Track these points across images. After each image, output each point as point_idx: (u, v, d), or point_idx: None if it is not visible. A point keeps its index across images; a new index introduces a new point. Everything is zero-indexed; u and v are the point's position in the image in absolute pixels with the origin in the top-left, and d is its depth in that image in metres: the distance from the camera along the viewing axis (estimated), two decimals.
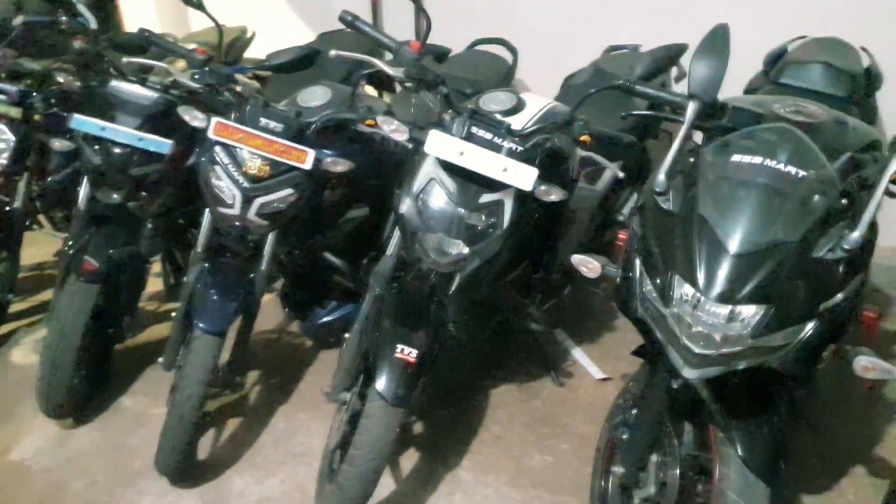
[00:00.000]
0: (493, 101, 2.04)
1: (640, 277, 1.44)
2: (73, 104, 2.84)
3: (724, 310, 1.23)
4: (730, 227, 1.25)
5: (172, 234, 2.77)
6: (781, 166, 1.27)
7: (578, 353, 2.76)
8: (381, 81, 3.57)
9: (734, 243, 1.23)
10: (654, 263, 1.38)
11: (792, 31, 2.78)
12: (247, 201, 2.01)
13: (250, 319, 2.22)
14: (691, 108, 1.39)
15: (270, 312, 3.00)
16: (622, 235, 2.16)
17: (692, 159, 1.47)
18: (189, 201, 2.64)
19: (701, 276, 1.24)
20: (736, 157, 1.33)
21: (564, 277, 2.61)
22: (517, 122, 1.95)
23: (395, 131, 1.84)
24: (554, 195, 1.78)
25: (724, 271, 1.23)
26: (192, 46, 3.63)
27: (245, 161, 1.99)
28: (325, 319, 2.67)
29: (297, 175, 2.04)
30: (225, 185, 2.01)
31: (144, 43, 2.24)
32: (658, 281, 1.36)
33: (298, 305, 2.70)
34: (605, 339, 2.87)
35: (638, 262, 1.45)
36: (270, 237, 2.16)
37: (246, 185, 2.00)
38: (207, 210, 2.16)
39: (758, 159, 1.30)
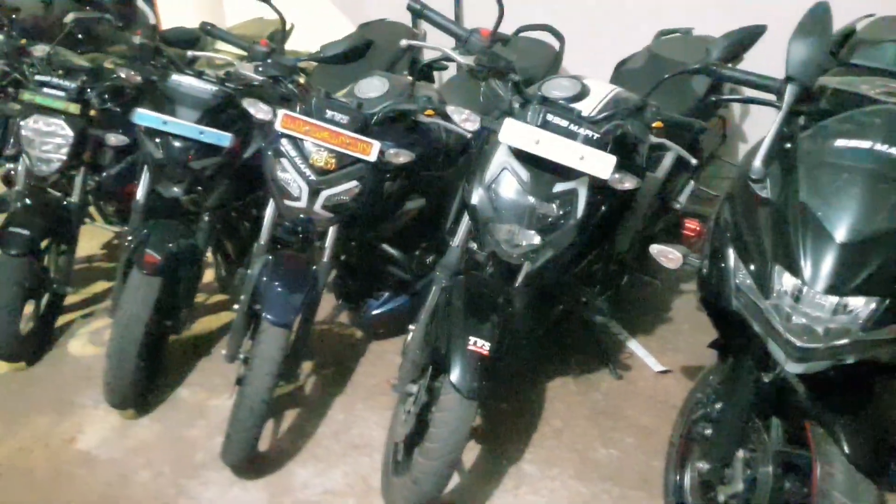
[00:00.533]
0: (557, 88, 2.01)
1: (734, 268, 1.40)
2: (127, 99, 2.88)
3: (831, 302, 1.20)
4: (835, 214, 1.21)
5: (227, 227, 2.78)
6: (890, 149, 1.23)
7: (634, 345, 2.73)
8: (422, 71, 3.55)
9: (841, 232, 1.20)
10: (750, 253, 1.35)
11: (855, 10, 2.70)
12: (314, 194, 2.01)
13: (312, 312, 2.22)
14: (790, 91, 1.35)
15: (322, 302, 2.99)
16: (690, 224, 2.14)
17: (788, 145, 1.43)
18: (242, 195, 2.65)
19: (806, 267, 1.21)
20: (839, 142, 1.29)
21: (621, 267, 2.58)
22: (585, 109, 1.92)
23: (466, 121, 1.82)
24: (628, 183, 1.75)
25: (830, 261, 1.19)
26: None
27: (311, 153, 1.99)
28: (378, 311, 2.67)
29: (362, 167, 2.03)
30: (291, 178, 2.00)
31: (202, 35, 2.23)
32: (755, 271, 1.32)
33: (352, 296, 2.70)
34: (662, 331, 2.84)
35: (731, 251, 1.42)
36: (332, 230, 2.16)
37: (313, 177, 1.99)
38: (271, 202, 2.16)
39: (865, 143, 1.26)
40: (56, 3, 8.55)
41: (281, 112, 1.95)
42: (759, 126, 3.37)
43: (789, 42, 1.37)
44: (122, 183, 2.96)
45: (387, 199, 2.24)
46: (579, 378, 2.60)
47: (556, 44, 3.12)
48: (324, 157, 1.99)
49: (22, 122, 2.61)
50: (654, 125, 1.84)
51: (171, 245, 2.37)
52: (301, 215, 2.07)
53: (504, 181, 1.78)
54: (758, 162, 1.36)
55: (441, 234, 2.58)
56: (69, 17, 2.96)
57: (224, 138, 2.29)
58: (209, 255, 3.02)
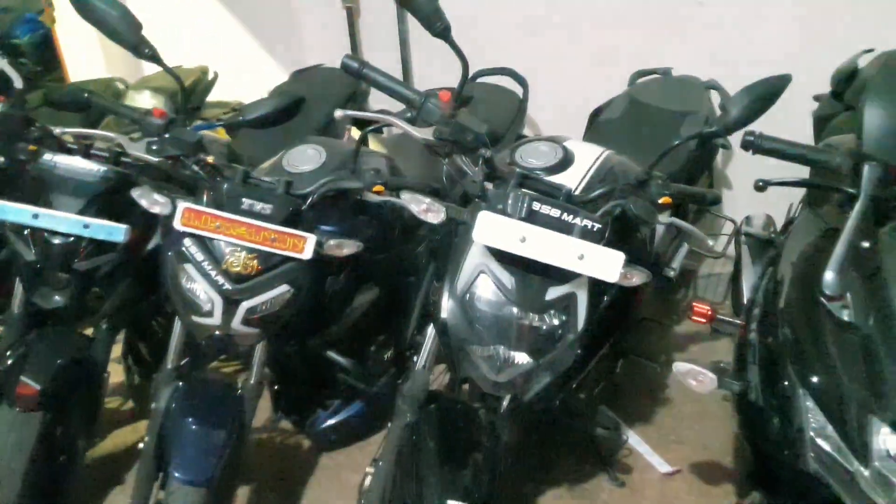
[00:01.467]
0: (534, 156, 1.62)
1: (810, 419, 1.01)
2: None
3: None
4: None
5: (135, 326, 2.28)
6: None
7: (634, 440, 2.31)
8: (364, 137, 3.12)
9: None
10: (834, 400, 0.96)
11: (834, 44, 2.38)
12: (230, 307, 1.54)
13: (237, 456, 1.73)
14: (870, 174, 0.98)
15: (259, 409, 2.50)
16: (700, 308, 1.75)
17: (866, 244, 1.05)
18: (152, 289, 2.16)
19: None
20: None
21: (615, 354, 2.18)
22: (570, 182, 1.52)
23: (426, 212, 1.39)
24: (636, 278, 1.34)
25: None
26: (145, 97, 3.23)
27: (225, 255, 1.53)
28: (329, 423, 2.20)
29: (294, 266, 1.58)
30: (200, 289, 1.53)
31: (84, 102, 1.75)
32: (844, 426, 0.93)
33: (294, 407, 2.22)
34: (660, 418, 2.43)
35: (803, 394, 1.02)
36: (260, 346, 1.70)
37: (228, 286, 1.53)
38: (177, 319, 1.69)
39: None
40: None
41: (181, 205, 1.49)
42: (740, 171, 3.04)
43: (863, 107, 1.00)
44: None
45: (331, 300, 1.80)
46: (574, 489, 2.16)
47: (518, 90, 2.73)
48: (241, 258, 1.53)
49: None
50: (661, 201, 1.45)
51: (56, 366, 1.86)
52: (216, 333, 1.60)
53: (481, 289, 1.34)
54: (831, 273, 0.99)
55: (399, 326, 2.14)
56: None
57: (117, 231, 1.80)
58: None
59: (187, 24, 3.95)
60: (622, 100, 2.42)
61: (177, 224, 1.49)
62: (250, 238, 1.52)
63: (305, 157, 1.83)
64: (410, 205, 1.39)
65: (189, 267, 1.53)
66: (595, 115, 2.48)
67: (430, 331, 1.52)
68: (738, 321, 1.84)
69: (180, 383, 1.70)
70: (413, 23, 3.50)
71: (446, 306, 1.35)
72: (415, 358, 1.58)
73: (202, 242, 1.52)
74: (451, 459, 1.43)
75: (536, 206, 1.31)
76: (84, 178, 1.80)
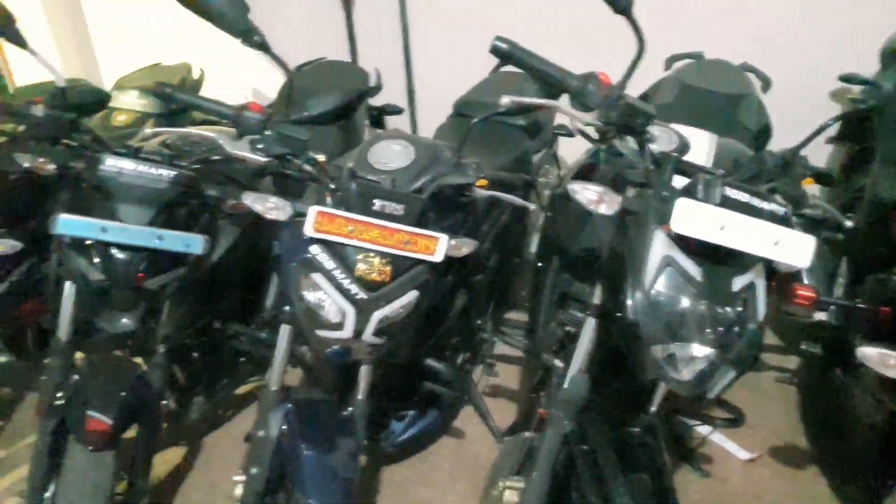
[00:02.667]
0: (657, 141, 1.55)
1: None
2: (14, 190, 2.10)
3: None
4: None
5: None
6: None
7: (705, 429, 2.30)
8: (374, 118, 2.98)
9: None
10: None
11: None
12: (362, 317, 1.39)
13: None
14: None
15: None
16: (804, 292, 1.75)
17: None
18: (208, 311, 1.97)
19: None
20: None
21: None
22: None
23: (597, 202, 1.29)
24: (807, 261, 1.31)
25: None
26: (132, 97, 2.95)
27: (357, 262, 1.38)
28: (406, 436, 2.06)
29: (423, 270, 1.45)
30: (330, 299, 1.38)
31: (164, 97, 1.54)
32: None
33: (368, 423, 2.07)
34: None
35: None
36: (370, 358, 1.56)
37: (361, 295, 1.38)
38: (284, 330, 1.52)
39: None
40: None
41: (313, 209, 1.33)
42: None
43: None
44: (14, 302, 2.15)
45: (439, 304, 1.67)
46: None
47: None
48: (375, 264, 1.38)
49: None
50: (805, 181, 1.43)
51: (120, 398, 1.65)
52: (338, 347, 1.45)
53: (669, 283, 1.26)
54: None
55: (478, 325, 2.04)
56: None
57: (195, 243, 1.61)
58: None
59: (165, 18, 3.64)
60: (672, 84, 2.39)
61: (308, 230, 1.33)
62: (384, 241, 1.38)
63: (393, 154, 1.69)
64: (580, 193, 1.29)
65: (318, 276, 1.37)
66: (643, 99, 2.44)
67: (587, 331, 1.42)
68: (845, 301, 1.85)
69: (289, 406, 1.53)
70: (414, 11, 3.42)
71: (634, 305, 1.26)
72: (556, 361, 1.49)
73: (331, 249, 1.37)
74: (626, 476, 1.35)
75: (729, 192, 1.24)
76: (153, 185, 1.59)
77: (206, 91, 3.26)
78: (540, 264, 1.86)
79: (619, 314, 1.27)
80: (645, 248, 1.27)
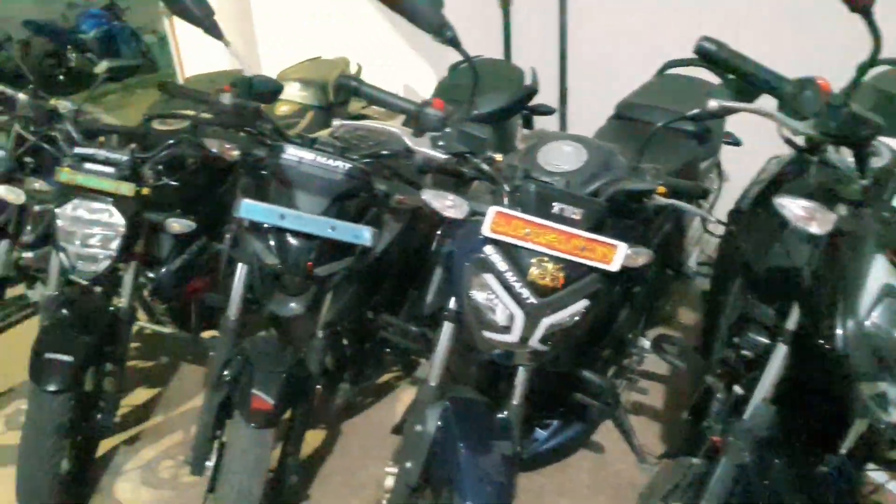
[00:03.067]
0: None
1: None
2: (189, 172, 2.23)
3: None
4: None
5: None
6: None
7: (880, 475, 2.10)
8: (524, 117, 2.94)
9: None
10: None
11: None
12: (531, 323, 1.36)
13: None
14: None
15: None
16: None
17: None
18: (367, 301, 2.01)
19: None
20: None
21: None
22: None
23: (807, 219, 1.19)
24: None
25: None
26: (294, 89, 3.06)
27: (531, 266, 1.35)
28: (548, 446, 2.01)
29: (595, 278, 1.40)
30: (499, 302, 1.35)
31: (349, 89, 1.57)
32: None
33: None
34: None
35: None
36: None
37: (532, 300, 1.34)
38: (447, 328, 1.52)
39: None
40: (33, 44, 7.83)
41: (492, 210, 1.31)
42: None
43: None
44: (185, 279, 2.29)
45: (605, 315, 1.62)
46: None
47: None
48: (549, 270, 1.35)
49: (58, 210, 1.92)
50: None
51: (282, 380, 1.71)
52: (502, 350, 1.43)
53: (888, 314, 1.14)
54: None
55: (629, 338, 1.97)
56: (102, 67, 2.30)
57: (363, 233, 1.64)
58: None
59: (325, 12, 3.79)
60: (867, 92, 2.19)
61: (485, 230, 1.32)
62: (559, 246, 1.34)
63: (564, 156, 1.63)
64: (787, 210, 1.19)
65: (489, 277, 1.35)
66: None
67: (776, 358, 1.32)
68: None
69: (447, 403, 1.53)
70: (574, 9, 3.36)
71: (845, 336, 1.15)
72: (735, 387, 1.39)
73: (506, 250, 1.35)
74: None
75: None
76: (329, 176, 1.63)
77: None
78: (717, 281, 1.76)
79: (821, 343, 1.17)
80: (861, 273, 1.15)
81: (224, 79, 3.23)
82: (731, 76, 1.48)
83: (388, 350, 2.34)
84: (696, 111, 1.41)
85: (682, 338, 1.97)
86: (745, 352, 1.56)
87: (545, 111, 2.93)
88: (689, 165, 2.12)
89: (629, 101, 2.36)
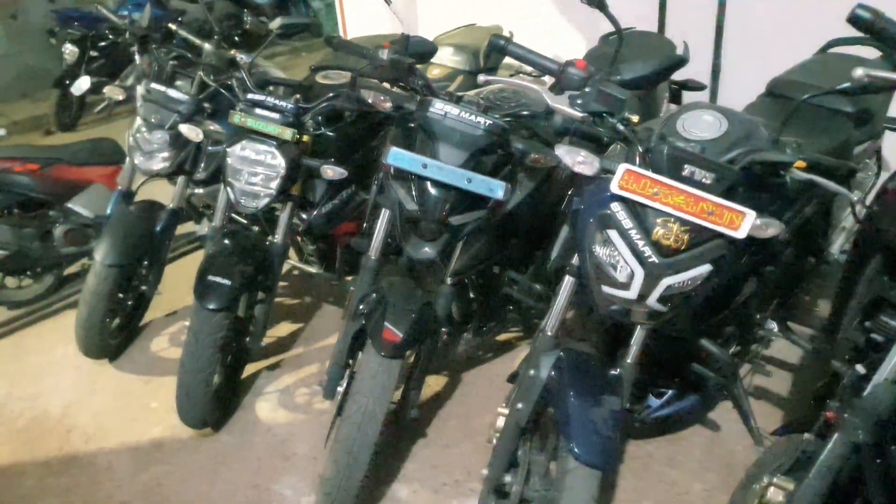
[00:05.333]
0: None
1: None
2: (348, 126, 2.41)
3: None
4: None
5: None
6: None
7: None
8: (673, 92, 2.90)
9: None
10: None
11: None
12: (650, 281, 1.40)
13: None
14: None
15: None
16: None
17: None
18: (494, 254, 2.11)
19: None
20: None
21: None
22: None
23: None
24: None
25: None
26: (447, 53, 3.20)
27: (656, 226, 1.38)
28: (662, 413, 2.04)
29: (721, 245, 1.41)
30: (621, 258, 1.40)
31: (499, 49, 1.65)
32: None
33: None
34: None
35: None
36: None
37: (654, 259, 1.38)
38: (567, 281, 1.59)
39: None
40: (215, 6, 8.49)
41: (622, 167, 1.36)
42: None
43: None
44: (333, 223, 2.49)
45: (728, 285, 1.62)
46: None
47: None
48: (674, 230, 1.38)
49: (229, 149, 2.17)
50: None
51: (412, 317, 1.85)
52: (621, 307, 1.48)
53: None
54: None
55: (757, 319, 1.93)
56: (276, 23, 2.52)
57: (496, 187, 1.73)
58: None
59: None
60: None
61: (614, 186, 1.37)
62: (687, 209, 1.36)
63: (705, 124, 1.63)
64: None
65: (613, 233, 1.40)
66: None
67: None
68: None
69: (561, 353, 1.60)
70: None
71: None
72: (857, 367, 1.36)
73: (632, 208, 1.39)
74: None
75: None
76: (469, 131, 1.73)
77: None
78: (853, 263, 1.70)
79: None
80: None
81: (384, 41, 3.46)
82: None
83: (511, 307, 2.43)
84: (844, 85, 1.38)
85: (813, 321, 1.91)
86: (875, 335, 1.52)
87: (695, 87, 2.88)
88: (840, 147, 2.03)
89: (783, 79, 2.28)
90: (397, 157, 1.71)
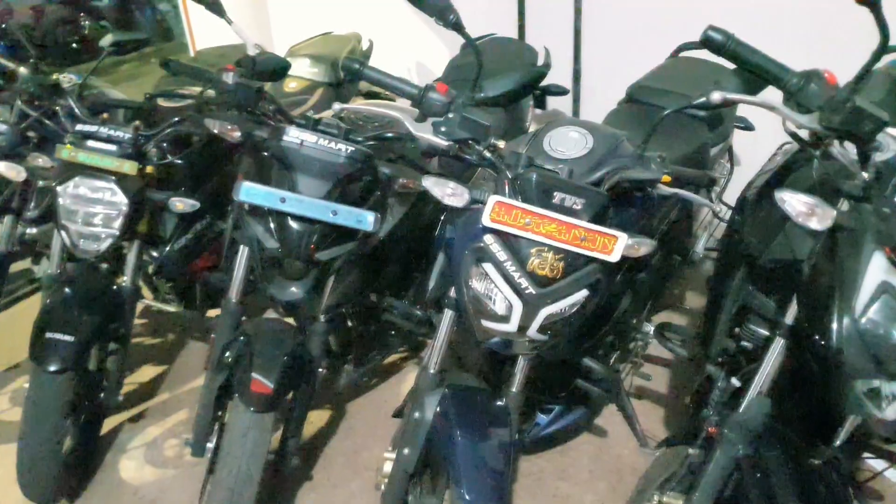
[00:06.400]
0: None
1: None
2: (198, 155, 2.21)
3: None
4: None
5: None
6: None
7: (879, 462, 2.08)
8: (536, 97, 2.90)
9: None
10: None
11: None
12: (530, 312, 1.34)
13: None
14: None
15: None
16: None
17: None
18: (369, 285, 2.01)
19: None
20: None
21: None
22: None
23: (808, 215, 1.16)
24: None
25: None
26: (304, 65, 3.04)
27: (530, 256, 1.33)
28: (550, 430, 2.01)
29: (596, 268, 1.38)
30: (499, 291, 1.34)
31: (352, 72, 1.53)
32: None
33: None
34: None
35: None
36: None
37: (531, 290, 1.33)
38: (447, 315, 1.51)
39: None
40: (46, 11, 7.73)
41: (492, 199, 1.29)
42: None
43: None
44: (189, 259, 2.29)
45: (605, 305, 1.60)
46: None
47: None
48: (548, 260, 1.33)
49: (59, 188, 1.92)
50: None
51: (282, 363, 1.71)
52: (500, 339, 1.42)
53: (884, 312, 1.12)
54: None
55: (633, 324, 1.95)
56: (107, 40, 2.26)
57: (365, 218, 1.62)
58: None
59: None
60: (881, 79, 2.12)
61: (485, 219, 1.30)
62: (560, 237, 1.31)
63: (570, 142, 1.61)
64: (788, 205, 1.16)
65: (488, 266, 1.33)
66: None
67: (774, 352, 1.31)
68: None
69: (446, 390, 1.52)
70: None
71: (840, 332, 1.13)
72: (732, 380, 1.38)
73: (505, 240, 1.33)
74: None
75: None
76: (331, 159, 1.61)
77: (372, 62, 3.30)
78: (719, 271, 1.73)
79: (817, 338, 1.15)
80: (859, 270, 1.13)
81: (235, 54, 3.24)
82: None
83: (393, 332, 2.34)
84: (700, 100, 1.38)
85: (685, 326, 1.95)
86: (744, 343, 1.55)
87: (558, 91, 2.89)
88: (699, 151, 2.08)
89: (641, 85, 2.32)
90: (250, 192, 1.57)
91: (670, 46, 2.61)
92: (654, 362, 2.57)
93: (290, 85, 2.90)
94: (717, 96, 1.23)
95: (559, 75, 3.18)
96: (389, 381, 2.63)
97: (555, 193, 1.33)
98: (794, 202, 1.16)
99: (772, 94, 1.30)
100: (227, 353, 1.75)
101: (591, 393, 1.90)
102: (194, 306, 2.50)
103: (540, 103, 2.91)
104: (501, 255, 1.33)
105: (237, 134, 1.68)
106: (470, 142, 1.40)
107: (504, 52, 2.71)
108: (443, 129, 1.39)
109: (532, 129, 2.94)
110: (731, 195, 2.31)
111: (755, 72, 1.20)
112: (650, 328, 2.04)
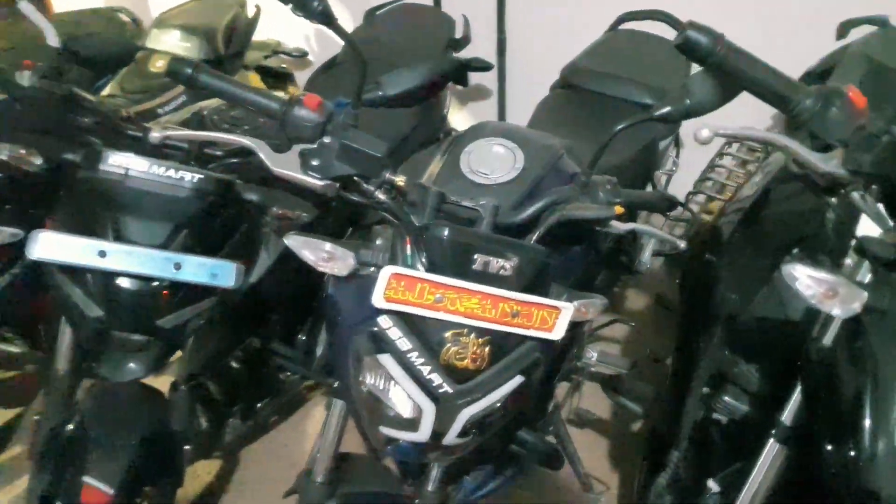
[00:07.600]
0: None
1: None
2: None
3: None
4: None
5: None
6: None
7: None
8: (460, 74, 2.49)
9: None
10: None
11: None
12: (445, 416, 0.97)
13: None
14: None
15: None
16: None
17: None
18: (242, 339, 1.59)
19: None
20: None
21: None
22: None
23: (829, 297, 0.82)
24: None
25: None
26: (174, 38, 2.53)
27: (445, 342, 0.95)
28: (480, 493, 1.67)
29: (532, 348, 1.01)
30: (401, 391, 0.96)
31: (183, 80, 1.08)
32: None
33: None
34: None
35: None
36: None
37: (447, 388, 0.95)
38: (336, 404, 1.13)
39: None
40: None
41: (386, 270, 0.90)
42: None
43: None
44: (24, 294, 1.81)
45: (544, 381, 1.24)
46: None
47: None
48: (469, 346, 0.95)
49: None
50: None
51: (129, 455, 1.29)
52: (406, 445, 1.04)
53: None
54: None
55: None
56: None
57: (223, 271, 1.20)
58: None
59: None
60: (854, 61, 1.81)
61: (377, 300, 0.90)
62: (484, 314, 0.94)
63: (495, 159, 1.21)
64: (800, 284, 0.81)
65: (386, 359, 0.94)
66: (819, 77, 1.87)
67: (768, 459, 0.99)
68: None
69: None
70: None
71: (878, 466, 0.80)
72: (710, 483, 1.05)
73: (410, 321, 0.94)
74: None
75: None
76: (171, 192, 1.18)
77: (260, 32, 2.80)
78: (686, 326, 1.41)
79: (830, 449, 0.82)
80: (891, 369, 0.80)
81: (99, 22, 2.67)
82: None
83: (287, 375, 1.94)
84: (664, 110, 1.02)
85: (642, 383, 1.63)
86: (717, 415, 1.23)
87: (481, 66, 2.47)
88: (648, 149, 1.75)
89: (577, 66, 1.94)
90: (52, 245, 1.12)
91: (608, 10, 2.23)
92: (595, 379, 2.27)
93: (157, 63, 2.37)
94: (705, 134, 0.86)
95: (481, 48, 2.77)
96: (291, 418, 2.24)
97: (475, 256, 0.94)
98: (807, 280, 0.82)
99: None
100: (55, 443, 1.32)
101: (524, 456, 1.57)
102: (41, 346, 2.03)
103: (460, 80, 2.50)
104: (404, 342, 0.94)
105: (37, 160, 1.22)
106: (355, 179, 0.99)
107: (414, 25, 2.29)
108: (314, 161, 0.97)
109: (448, 113, 2.55)
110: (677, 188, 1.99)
111: (755, 91, 0.84)
112: (593, 354, 1.72)
